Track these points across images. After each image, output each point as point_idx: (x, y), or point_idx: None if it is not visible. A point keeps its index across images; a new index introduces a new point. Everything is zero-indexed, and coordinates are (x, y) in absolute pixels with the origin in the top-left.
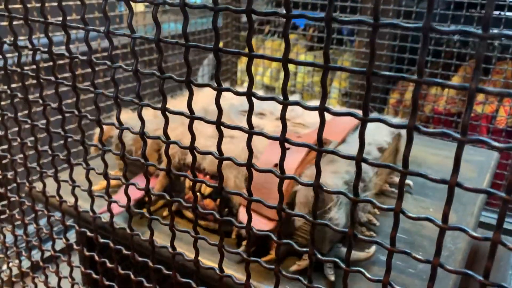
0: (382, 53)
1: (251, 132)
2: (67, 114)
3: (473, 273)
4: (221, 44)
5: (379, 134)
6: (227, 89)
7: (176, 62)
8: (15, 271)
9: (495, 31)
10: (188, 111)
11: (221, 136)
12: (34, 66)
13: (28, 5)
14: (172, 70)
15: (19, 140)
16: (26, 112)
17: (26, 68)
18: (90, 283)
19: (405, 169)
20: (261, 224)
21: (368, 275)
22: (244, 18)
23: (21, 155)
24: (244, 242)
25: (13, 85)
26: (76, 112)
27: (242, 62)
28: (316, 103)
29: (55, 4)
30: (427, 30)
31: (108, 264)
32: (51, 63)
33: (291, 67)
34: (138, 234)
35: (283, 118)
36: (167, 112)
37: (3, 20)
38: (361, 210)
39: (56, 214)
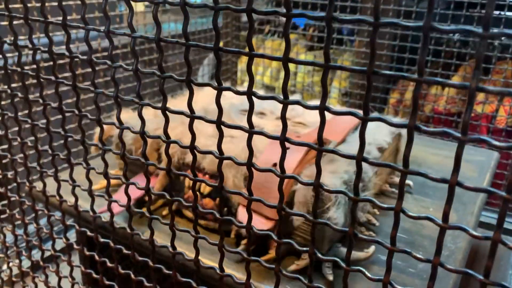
0: (382, 53)
1: (251, 131)
2: (67, 114)
3: (474, 272)
4: (221, 44)
5: (379, 134)
6: (228, 88)
7: (176, 62)
8: (15, 270)
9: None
10: (188, 111)
11: (221, 135)
12: (34, 66)
13: (28, 5)
14: (172, 70)
15: (19, 139)
16: (26, 111)
17: (26, 67)
18: (90, 283)
19: (405, 168)
20: (259, 224)
21: (369, 275)
22: (244, 18)
23: (21, 155)
24: (243, 242)
25: (13, 85)
26: (76, 112)
27: (242, 62)
28: (316, 102)
29: (55, 3)
30: (428, 29)
31: (108, 264)
32: (51, 63)
33: (291, 67)
34: (138, 233)
35: (283, 117)
36: (167, 112)
37: (3, 20)
38: (360, 210)
39: (56, 214)
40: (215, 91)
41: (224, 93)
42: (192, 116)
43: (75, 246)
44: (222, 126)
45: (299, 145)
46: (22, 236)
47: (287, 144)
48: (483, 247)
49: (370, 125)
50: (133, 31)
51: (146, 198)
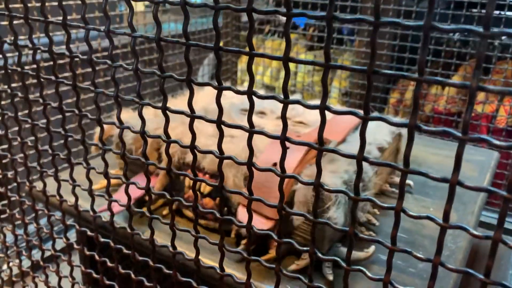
0: (382, 53)
1: (251, 131)
2: (67, 114)
3: (474, 271)
4: (221, 44)
5: (379, 134)
6: (228, 88)
7: (176, 62)
8: (15, 270)
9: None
10: (188, 110)
11: (221, 135)
12: (35, 66)
13: (29, 5)
14: (172, 69)
15: (19, 139)
16: (26, 111)
17: (26, 67)
18: (91, 283)
19: (406, 168)
20: (259, 223)
21: (369, 274)
22: (244, 18)
23: (22, 155)
24: (244, 241)
25: (13, 85)
26: (77, 112)
27: (242, 62)
28: (316, 102)
29: (56, 3)
30: (428, 29)
31: (109, 264)
32: (51, 63)
33: (291, 66)
34: (139, 233)
35: (283, 117)
36: (167, 111)
37: (4, 20)
38: (360, 210)
39: (56, 214)
40: (215, 91)
41: (225, 92)
42: (193, 116)
43: (75, 246)
44: (223, 126)
45: (299, 144)
46: (22, 236)
47: (287, 144)
48: (484, 247)
49: (371, 124)
50: (133, 30)
51: (147, 197)
